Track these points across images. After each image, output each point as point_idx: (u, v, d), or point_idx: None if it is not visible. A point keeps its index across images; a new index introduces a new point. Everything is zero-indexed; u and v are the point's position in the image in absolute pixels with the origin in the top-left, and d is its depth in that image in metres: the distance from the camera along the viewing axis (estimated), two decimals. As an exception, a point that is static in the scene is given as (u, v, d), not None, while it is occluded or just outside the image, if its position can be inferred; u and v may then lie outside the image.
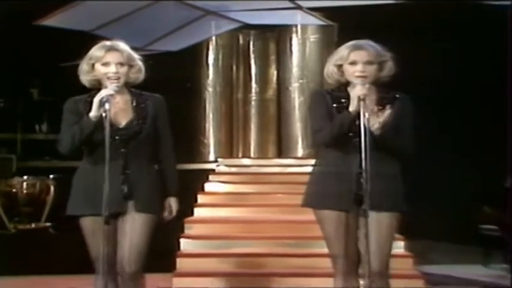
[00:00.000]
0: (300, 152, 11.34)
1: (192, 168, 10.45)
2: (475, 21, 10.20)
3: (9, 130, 11.47)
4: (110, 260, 4.53)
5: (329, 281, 7.33)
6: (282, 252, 8.18)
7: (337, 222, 4.63)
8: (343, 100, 4.66)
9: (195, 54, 11.67)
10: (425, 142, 10.15)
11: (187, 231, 8.50)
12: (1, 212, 9.77)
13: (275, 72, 11.78)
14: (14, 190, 10.14)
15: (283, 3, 10.53)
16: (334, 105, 4.67)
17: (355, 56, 4.59)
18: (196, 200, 9.37)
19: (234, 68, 11.79)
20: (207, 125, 11.61)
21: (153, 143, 4.78)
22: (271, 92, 11.78)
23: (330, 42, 11.44)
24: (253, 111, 11.75)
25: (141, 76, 4.79)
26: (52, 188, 10.11)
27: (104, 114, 4.44)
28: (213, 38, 11.62)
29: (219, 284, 7.62)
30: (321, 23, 11.39)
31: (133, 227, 4.63)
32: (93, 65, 4.69)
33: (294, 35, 11.62)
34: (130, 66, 4.71)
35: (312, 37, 11.61)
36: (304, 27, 11.58)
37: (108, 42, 4.76)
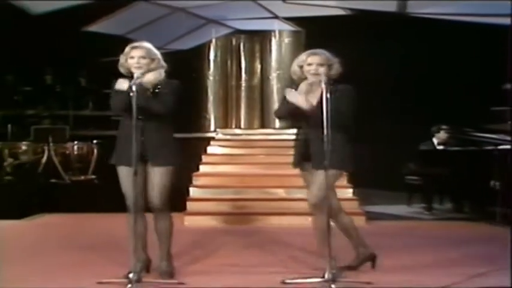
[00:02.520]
0: (277, 124, 11.35)
1: (197, 136, 10.46)
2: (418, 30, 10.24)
3: (64, 108, 11.44)
4: (138, 200, 4.55)
5: (300, 219, 7.45)
6: (265, 197, 8.23)
7: (310, 173, 4.77)
8: None
9: (199, 52, 11.63)
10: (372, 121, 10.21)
11: (194, 182, 8.53)
12: (59, 167, 9.77)
13: (259, 66, 11.76)
14: (67, 152, 10.13)
15: (265, 14, 10.50)
16: None
17: (311, 59, 4.73)
18: (201, 159, 9.39)
19: (229, 62, 11.75)
20: (208, 104, 11.60)
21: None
22: (256, 80, 11.77)
23: (299, 43, 11.46)
24: (243, 94, 11.73)
25: (162, 67, 4.74)
26: (95, 150, 10.11)
27: (131, 94, 4.46)
28: (213, 40, 11.58)
29: (219, 220, 7.68)
30: (293, 29, 11.37)
31: (153, 176, 4.65)
32: (126, 59, 4.72)
33: (273, 38, 11.60)
34: (152, 59, 4.72)
35: (286, 39, 11.59)
36: (281, 32, 11.55)
37: (134, 43, 4.79)
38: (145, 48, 4.72)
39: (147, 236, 4.73)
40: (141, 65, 4.66)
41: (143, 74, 4.64)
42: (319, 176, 4.59)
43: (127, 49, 4.74)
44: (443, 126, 8.90)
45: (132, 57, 4.68)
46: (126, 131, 4.58)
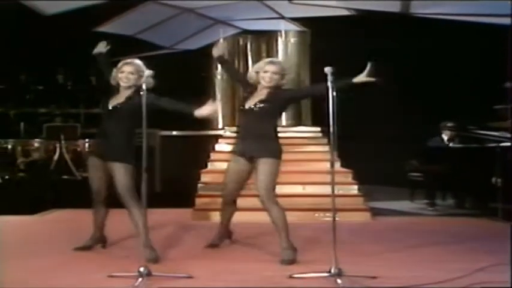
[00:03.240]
0: (283, 122, 11.35)
1: (206, 134, 10.48)
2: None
3: (76, 106, 11.49)
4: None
5: (301, 214, 7.43)
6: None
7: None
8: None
9: (208, 52, 11.61)
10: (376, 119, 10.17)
11: (202, 179, 8.53)
12: (70, 164, 9.81)
13: (265, 65, 11.74)
14: (78, 149, 10.18)
15: (271, 14, 10.50)
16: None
17: (268, 67, 5.16)
18: (209, 157, 9.39)
19: (236, 62, 11.73)
20: (216, 102, 11.57)
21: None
22: (262, 79, 11.76)
23: (305, 43, 11.44)
24: (250, 93, 11.72)
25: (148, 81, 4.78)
26: (106, 148, 10.15)
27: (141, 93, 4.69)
28: (221, 40, 11.57)
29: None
30: (299, 29, 11.36)
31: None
32: (117, 73, 5.23)
33: (279, 38, 11.55)
34: (140, 76, 5.07)
35: (292, 39, 11.55)
36: (287, 32, 11.52)
37: (127, 60, 5.27)
38: (135, 65, 5.18)
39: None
40: (129, 79, 5.14)
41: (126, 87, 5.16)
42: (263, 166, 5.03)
43: (120, 64, 5.24)
44: (450, 124, 8.91)
45: (122, 72, 5.15)
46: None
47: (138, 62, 5.23)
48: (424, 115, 9.96)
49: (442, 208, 8.82)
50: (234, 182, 5.40)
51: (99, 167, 5.25)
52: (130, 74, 5.15)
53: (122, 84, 5.19)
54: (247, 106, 5.22)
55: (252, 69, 5.35)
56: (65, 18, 9.71)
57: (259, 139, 5.10)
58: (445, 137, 9.02)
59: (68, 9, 9.60)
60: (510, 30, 7.89)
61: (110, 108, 5.21)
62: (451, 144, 8.93)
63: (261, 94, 5.19)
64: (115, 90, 5.27)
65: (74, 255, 5.32)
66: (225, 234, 5.72)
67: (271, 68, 5.16)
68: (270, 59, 5.36)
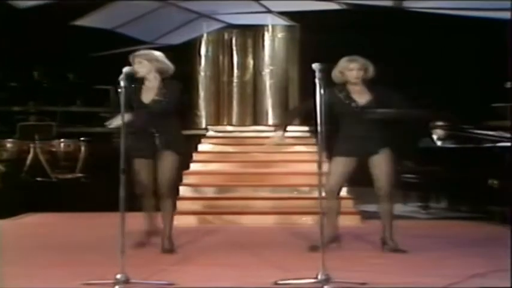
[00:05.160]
0: (270, 121, 11.33)
1: (188, 134, 10.41)
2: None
3: (52, 104, 11.40)
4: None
5: (289, 217, 7.47)
6: (256, 196, 8.21)
7: None
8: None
9: (191, 47, 11.58)
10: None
11: (185, 181, 8.48)
12: (45, 165, 9.74)
13: (251, 61, 11.70)
14: (54, 149, 10.11)
15: (258, 8, 10.48)
16: (340, 95, 5.59)
17: (352, 65, 5.55)
18: (192, 157, 9.35)
19: (221, 57, 11.68)
20: (200, 100, 11.54)
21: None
22: (248, 76, 11.72)
23: (293, 38, 11.44)
24: (235, 90, 11.67)
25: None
26: (83, 148, 10.09)
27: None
28: (205, 34, 11.54)
29: (209, 219, 7.65)
30: (286, 23, 11.34)
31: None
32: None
33: (266, 33, 11.55)
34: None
35: (280, 34, 11.55)
36: (274, 27, 11.51)
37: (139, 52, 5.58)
38: (148, 54, 5.58)
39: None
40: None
41: None
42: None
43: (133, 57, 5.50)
44: (440, 123, 8.90)
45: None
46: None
47: (150, 51, 5.59)
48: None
49: (436, 211, 8.82)
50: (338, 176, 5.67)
51: (146, 164, 5.48)
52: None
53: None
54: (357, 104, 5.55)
55: (335, 70, 5.60)
56: (40, 11, 9.64)
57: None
58: (435, 137, 9.01)
59: (43, 2, 9.53)
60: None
61: (148, 102, 5.45)
62: (439, 144, 8.92)
63: (361, 92, 5.58)
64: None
65: (47, 261, 5.26)
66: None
67: (355, 65, 5.53)
68: (348, 57, 5.60)
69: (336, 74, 5.61)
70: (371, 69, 5.61)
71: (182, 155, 5.64)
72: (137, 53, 5.55)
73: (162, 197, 5.49)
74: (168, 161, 5.46)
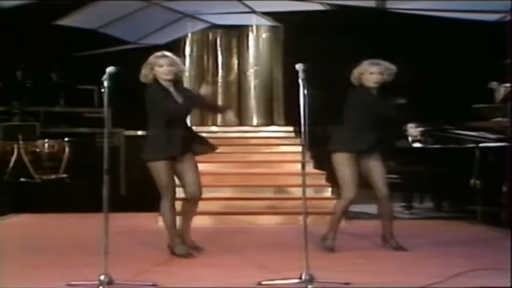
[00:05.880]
0: (254, 121, 11.36)
1: (173, 134, 10.40)
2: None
3: (35, 104, 11.34)
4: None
5: (273, 218, 7.50)
6: (241, 196, 8.22)
7: None
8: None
9: (175, 46, 11.57)
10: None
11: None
12: (29, 165, 9.70)
13: (236, 61, 11.71)
14: (38, 149, 10.07)
15: (242, 8, 10.49)
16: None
17: (374, 69, 5.56)
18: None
19: (205, 57, 11.68)
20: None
21: None
22: (233, 76, 11.72)
23: (277, 38, 11.46)
24: (219, 90, 11.66)
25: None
26: (67, 148, 10.05)
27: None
28: (189, 34, 11.53)
29: (194, 220, 7.64)
30: (271, 23, 11.37)
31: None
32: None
33: (250, 33, 11.57)
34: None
35: (264, 35, 11.57)
36: (258, 27, 11.53)
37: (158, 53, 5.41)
38: (170, 57, 5.42)
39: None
40: (171, 72, 5.36)
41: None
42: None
43: (153, 59, 5.38)
44: (411, 124, 8.93)
45: (161, 66, 5.32)
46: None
47: (170, 53, 5.44)
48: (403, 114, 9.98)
49: (419, 211, 8.88)
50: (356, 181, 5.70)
51: (169, 166, 5.45)
52: (170, 66, 5.34)
53: (163, 77, 5.34)
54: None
55: (355, 72, 5.61)
56: (23, 11, 9.59)
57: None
58: (410, 139, 9.07)
59: (26, 2, 9.49)
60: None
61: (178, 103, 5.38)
62: (418, 145, 8.98)
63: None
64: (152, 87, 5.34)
65: (31, 262, 5.25)
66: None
67: (376, 69, 5.54)
68: (370, 60, 5.61)
69: (354, 75, 5.61)
70: (389, 75, 5.66)
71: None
72: (165, 54, 5.41)
73: (196, 199, 5.63)
74: (195, 162, 5.59)
